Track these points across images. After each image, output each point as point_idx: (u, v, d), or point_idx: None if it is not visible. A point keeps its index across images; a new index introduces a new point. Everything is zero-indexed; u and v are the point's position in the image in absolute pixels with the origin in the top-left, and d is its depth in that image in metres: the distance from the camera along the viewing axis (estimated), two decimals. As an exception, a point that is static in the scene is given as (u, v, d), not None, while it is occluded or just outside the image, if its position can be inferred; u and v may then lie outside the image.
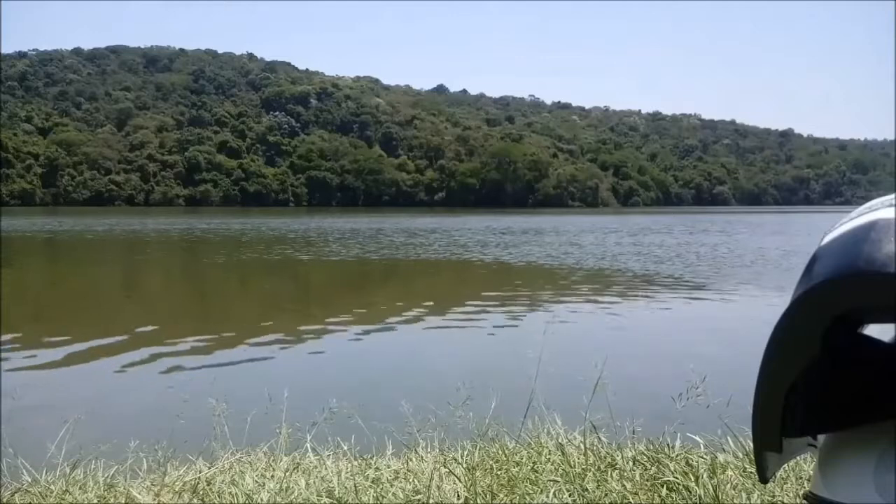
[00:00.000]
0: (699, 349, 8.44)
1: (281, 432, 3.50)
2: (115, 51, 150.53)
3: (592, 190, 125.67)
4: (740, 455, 3.08)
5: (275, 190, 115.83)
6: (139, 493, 2.94)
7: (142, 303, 14.18)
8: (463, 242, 29.69)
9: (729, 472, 2.87)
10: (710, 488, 2.68)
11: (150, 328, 10.32)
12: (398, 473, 3.10)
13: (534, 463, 3.04)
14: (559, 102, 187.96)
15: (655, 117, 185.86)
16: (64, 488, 2.99)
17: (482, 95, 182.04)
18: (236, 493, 2.86)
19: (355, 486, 2.85)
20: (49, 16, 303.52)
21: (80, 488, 3.01)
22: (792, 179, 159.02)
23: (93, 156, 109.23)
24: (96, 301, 14.24)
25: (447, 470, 2.99)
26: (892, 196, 0.59)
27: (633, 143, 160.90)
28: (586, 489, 2.75)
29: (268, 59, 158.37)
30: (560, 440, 3.29)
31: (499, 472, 2.93)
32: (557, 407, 3.68)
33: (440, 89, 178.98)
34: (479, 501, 2.71)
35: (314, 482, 2.94)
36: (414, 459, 3.26)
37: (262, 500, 2.78)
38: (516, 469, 2.96)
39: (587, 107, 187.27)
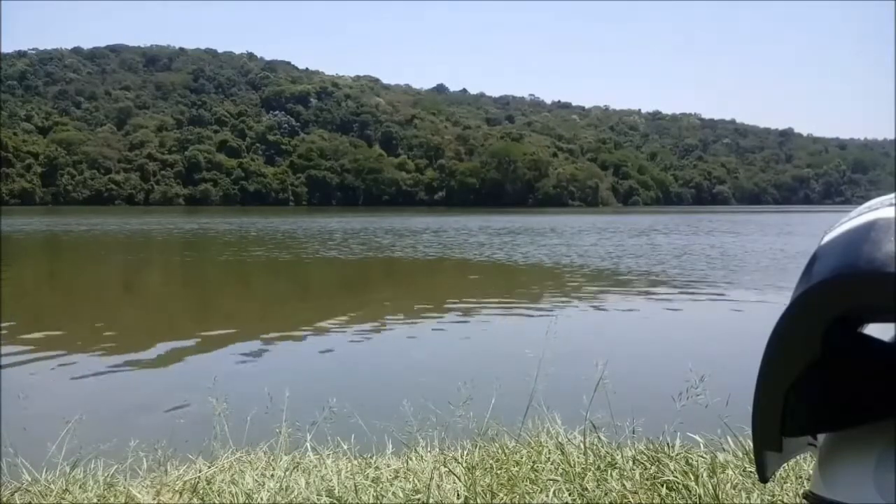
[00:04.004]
0: (699, 348, 8.44)
1: (281, 431, 3.50)
2: (114, 50, 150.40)
3: (592, 189, 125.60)
4: (740, 454, 3.08)
5: (275, 189, 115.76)
6: (139, 493, 2.94)
7: (139, 303, 14.18)
8: (459, 242, 29.68)
9: (729, 472, 2.87)
10: (710, 487, 2.68)
11: (147, 328, 10.32)
12: (398, 473, 3.10)
13: (534, 462, 3.04)
14: (559, 102, 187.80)
15: (655, 117, 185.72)
16: (64, 487, 2.99)
17: (482, 95, 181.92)
18: (236, 493, 2.86)
19: (355, 486, 2.85)
20: (49, 15, 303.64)
21: (80, 487, 3.01)
22: (792, 179, 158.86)
23: (92, 155, 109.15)
24: (93, 301, 14.23)
25: (447, 469, 2.99)
26: (892, 195, 0.59)
27: (632, 142, 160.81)
28: (586, 488, 2.75)
29: (268, 58, 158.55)
30: (560, 439, 3.29)
31: (499, 472, 2.93)
32: (557, 406, 3.68)
33: (440, 89, 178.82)
34: (478, 501, 2.70)
35: (314, 481, 2.94)
36: (414, 459, 3.26)
37: (262, 499, 2.78)
38: (516, 468, 2.96)
39: (587, 106, 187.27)
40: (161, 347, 8.76)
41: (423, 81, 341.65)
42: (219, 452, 3.36)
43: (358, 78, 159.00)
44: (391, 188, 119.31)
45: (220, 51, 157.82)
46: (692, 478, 2.75)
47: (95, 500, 2.89)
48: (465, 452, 3.19)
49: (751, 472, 2.77)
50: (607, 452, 3.11)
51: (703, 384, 3.17)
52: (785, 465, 2.36)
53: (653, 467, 2.90)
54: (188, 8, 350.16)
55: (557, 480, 2.80)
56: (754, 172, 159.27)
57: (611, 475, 2.85)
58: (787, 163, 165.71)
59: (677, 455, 3.02)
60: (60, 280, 18.42)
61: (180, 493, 2.98)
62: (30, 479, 3.09)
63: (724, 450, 3.20)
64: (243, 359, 8.23)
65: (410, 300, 13.51)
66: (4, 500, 2.91)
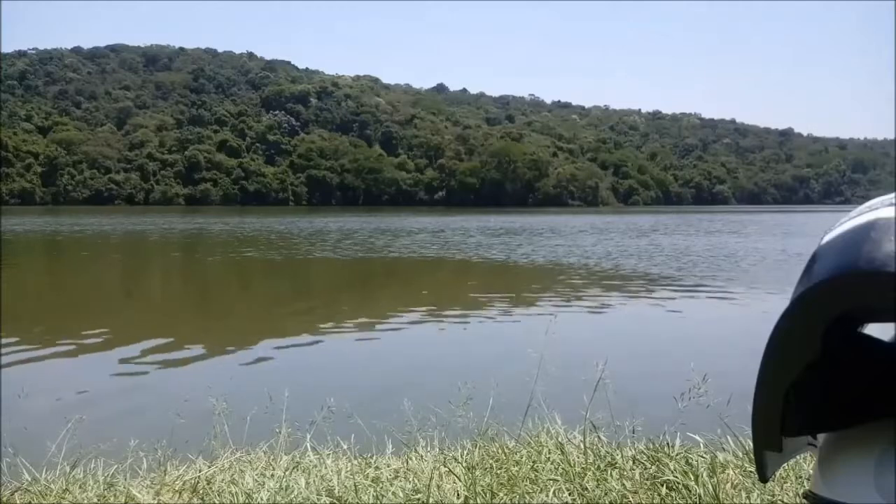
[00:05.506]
0: (700, 348, 8.43)
1: (281, 431, 3.50)
2: (114, 49, 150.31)
3: (592, 189, 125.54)
4: (740, 454, 3.08)
5: (275, 189, 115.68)
6: (139, 492, 2.94)
7: (137, 303, 14.17)
8: (458, 243, 29.67)
9: (729, 472, 2.87)
10: (710, 487, 2.68)
11: (145, 328, 10.31)
12: (398, 472, 3.10)
13: (534, 462, 3.04)
14: (559, 102, 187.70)
15: (655, 116, 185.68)
16: (64, 487, 2.99)
17: (482, 94, 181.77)
18: (236, 492, 2.86)
19: (355, 485, 2.85)
20: (49, 15, 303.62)
21: (80, 487, 3.01)
22: (792, 179, 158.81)
23: (92, 155, 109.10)
24: (91, 301, 14.23)
25: (447, 469, 2.99)
26: (892, 195, 0.59)
27: (632, 142, 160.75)
28: (586, 488, 2.75)
29: (268, 57, 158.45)
30: (560, 439, 3.29)
31: (498, 472, 2.93)
32: (558, 406, 3.68)
33: (440, 88, 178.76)
34: (478, 500, 2.70)
35: (314, 481, 2.94)
36: (414, 458, 3.26)
37: (261, 498, 2.78)
38: (516, 468, 2.96)
39: (587, 106, 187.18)
40: (160, 348, 8.76)
41: (423, 81, 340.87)
42: (219, 452, 3.36)
43: (358, 78, 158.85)
44: (391, 188, 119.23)
45: (220, 50, 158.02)
46: (692, 478, 2.75)
47: (95, 500, 2.89)
48: (465, 452, 3.19)
49: (751, 472, 2.77)
50: (607, 452, 3.11)
51: (704, 384, 3.16)
52: (785, 465, 2.36)
53: (653, 467, 2.90)
54: (188, 8, 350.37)
55: (557, 480, 2.80)
56: (754, 172, 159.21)
57: (611, 475, 2.85)
58: (787, 163, 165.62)
59: (677, 455, 3.02)
60: (58, 280, 18.42)
61: (180, 493, 2.98)
62: (30, 479, 3.09)
63: (724, 450, 3.20)
64: (243, 359, 8.23)
65: (410, 300, 13.49)
66: (4, 499, 2.91)
